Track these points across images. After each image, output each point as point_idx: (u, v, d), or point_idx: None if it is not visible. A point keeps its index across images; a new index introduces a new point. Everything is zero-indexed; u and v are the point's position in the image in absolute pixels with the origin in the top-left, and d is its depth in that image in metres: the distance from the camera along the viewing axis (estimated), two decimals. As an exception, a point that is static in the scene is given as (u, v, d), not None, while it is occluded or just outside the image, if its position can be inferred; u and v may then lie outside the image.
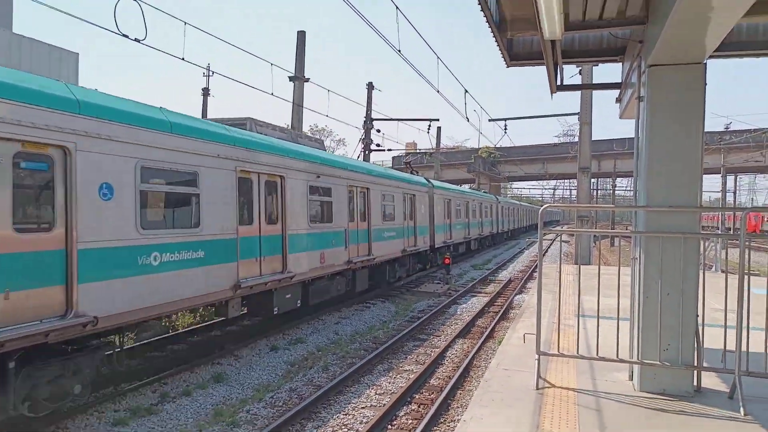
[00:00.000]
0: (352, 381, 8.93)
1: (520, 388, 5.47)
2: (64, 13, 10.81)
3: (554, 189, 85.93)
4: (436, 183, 22.84)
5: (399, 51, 14.50)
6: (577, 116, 22.15)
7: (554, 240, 42.94)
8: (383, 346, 10.87)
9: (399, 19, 13.58)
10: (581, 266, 7.17)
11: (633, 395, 5.22)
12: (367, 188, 14.72)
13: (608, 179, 64.79)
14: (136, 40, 10.49)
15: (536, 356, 5.57)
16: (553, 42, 7.04)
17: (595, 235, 29.37)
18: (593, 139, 21.51)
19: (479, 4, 6.28)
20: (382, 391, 8.49)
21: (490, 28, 7.18)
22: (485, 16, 6.65)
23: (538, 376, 5.50)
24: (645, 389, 5.27)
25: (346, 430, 6.99)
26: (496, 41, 7.75)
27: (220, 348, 10.34)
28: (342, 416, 7.44)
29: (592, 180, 66.19)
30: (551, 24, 5.21)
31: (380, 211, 15.59)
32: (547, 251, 36.80)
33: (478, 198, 33.82)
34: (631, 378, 5.57)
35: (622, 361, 5.33)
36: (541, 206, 6.39)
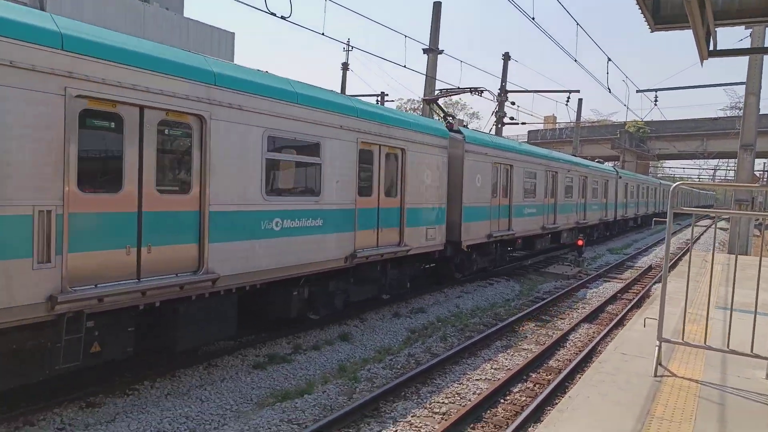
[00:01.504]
0: (469, 353, 9.13)
1: (635, 374, 5.24)
2: None
3: (715, 169, 76.50)
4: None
5: (533, 19, 13.95)
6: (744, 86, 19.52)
7: (708, 227, 38.58)
8: (503, 322, 10.89)
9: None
10: (737, 256, 6.50)
11: (767, 394, 4.76)
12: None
13: (785, 159, 56.18)
14: (282, 17, 11.38)
15: (657, 342, 5.28)
16: (703, 1, 6.37)
17: (759, 222, 25.89)
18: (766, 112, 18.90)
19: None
20: (498, 366, 8.58)
21: (631, -11, 6.70)
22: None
23: (658, 363, 5.22)
24: (784, 389, 4.77)
25: (458, 398, 7.24)
26: (638, 3, 7.19)
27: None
28: (456, 385, 7.69)
29: (765, 160, 57.80)
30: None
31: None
32: (699, 238, 33.27)
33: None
34: (768, 377, 5.06)
35: (756, 356, 4.85)
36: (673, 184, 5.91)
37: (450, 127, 13.55)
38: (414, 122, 11.50)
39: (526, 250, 19.55)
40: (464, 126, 15.20)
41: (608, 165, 40.58)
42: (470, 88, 16.06)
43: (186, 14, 25.27)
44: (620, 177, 29.64)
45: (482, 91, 15.71)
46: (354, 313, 10.92)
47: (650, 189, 40.72)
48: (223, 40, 24.33)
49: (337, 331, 9.94)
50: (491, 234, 14.65)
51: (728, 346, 5.07)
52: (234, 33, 24.67)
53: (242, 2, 11.47)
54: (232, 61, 24.34)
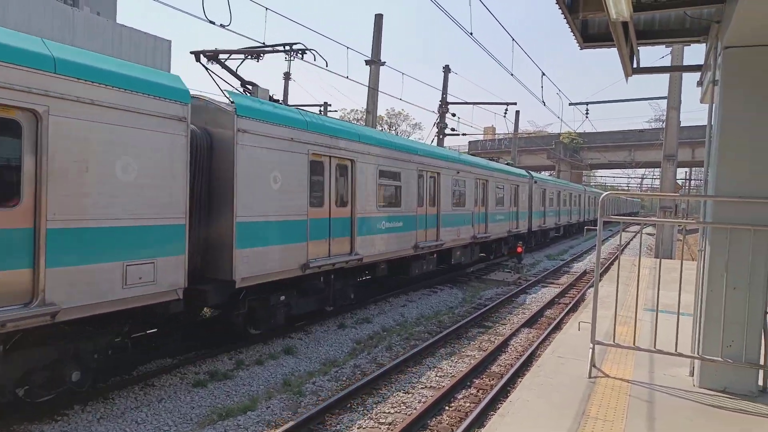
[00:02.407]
0: (414, 362, 9.20)
1: (572, 376, 5.47)
2: (159, 1, 11.65)
3: (642, 178, 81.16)
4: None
5: (471, 34, 14.39)
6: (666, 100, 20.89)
7: (637, 233, 40.78)
8: (447, 330, 11.05)
9: (472, 2, 13.45)
10: (662, 260, 6.92)
11: (691, 391, 5.08)
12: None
13: (702, 168, 60.25)
14: (221, 26, 11.18)
15: (590, 345, 5.53)
16: (626, 22, 6.79)
17: (682, 228, 27.65)
18: (689, 125, 20.32)
19: (547, -15, 6.17)
20: (443, 374, 8.69)
21: (560, 10, 7.04)
22: (554, -3, 6.53)
23: (592, 365, 5.47)
24: (705, 386, 5.11)
25: (404, 407, 7.27)
26: (568, 23, 7.56)
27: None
28: (402, 394, 7.73)
29: (686, 170, 61.92)
30: (618, 4, 5.07)
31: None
32: (628, 244, 35.09)
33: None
34: (691, 374, 5.40)
35: (680, 355, 5.19)
36: (603, 193, 6.26)
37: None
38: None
39: (393, 276, 13.93)
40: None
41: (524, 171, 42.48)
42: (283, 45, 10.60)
43: (119, 21, 24.31)
44: (536, 182, 26.33)
45: (303, 51, 10.29)
46: (299, 325, 10.78)
47: (574, 196, 38.10)
48: (159, 48, 23.59)
49: (281, 344, 9.78)
50: (308, 264, 9.68)
51: (655, 346, 5.38)
52: (170, 41, 23.97)
53: (180, 10, 11.18)
54: (169, 70, 23.66)
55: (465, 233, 17.01)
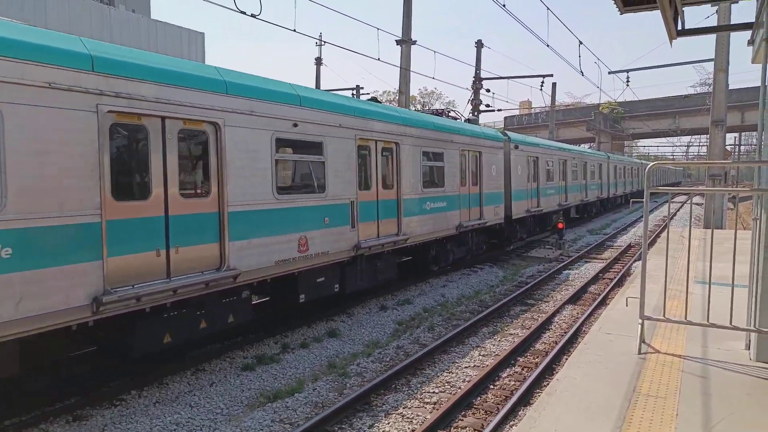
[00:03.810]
0: (457, 342, 9.19)
1: (620, 352, 5.34)
2: None
3: (688, 146, 77.93)
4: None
5: (504, 6, 13.98)
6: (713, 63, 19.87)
7: (684, 203, 39.38)
8: (489, 309, 10.98)
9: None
10: (713, 230, 6.62)
11: (747, 365, 4.88)
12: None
13: (755, 133, 57.40)
14: (252, 15, 11.22)
15: (639, 320, 5.38)
16: (669, -19, 6.43)
17: (733, 196, 26.47)
18: (737, 87, 19.27)
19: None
20: (486, 353, 8.66)
21: (598, -25, 6.74)
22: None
23: (641, 341, 5.32)
24: (762, 359, 4.90)
25: (448, 386, 7.29)
26: (606, -12, 7.22)
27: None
28: (446, 374, 7.74)
29: (735, 135, 59.09)
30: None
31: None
32: (675, 214, 33.92)
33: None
34: (747, 347, 5.19)
35: (735, 328, 4.97)
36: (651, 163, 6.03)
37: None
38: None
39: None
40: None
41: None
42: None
43: (153, 16, 24.81)
44: (516, 147, 18.53)
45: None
46: (341, 308, 10.91)
47: (591, 166, 30.57)
48: (193, 41, 23.95)
49: (325, 327, 9.93)
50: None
51: (708, 320, 5.18)
52: (204, 33, 24.30)
53: (211, 2, 11.28)
54: (203, 61, 24.01)
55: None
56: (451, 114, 15.83)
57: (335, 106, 9.65)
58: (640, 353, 5.25)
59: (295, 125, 8.59)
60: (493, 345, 9.03)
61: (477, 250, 16.20)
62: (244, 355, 8.42)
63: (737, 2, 11.37)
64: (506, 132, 19.18)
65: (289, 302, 9.15)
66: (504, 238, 18.20)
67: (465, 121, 17.01)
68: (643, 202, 5.57)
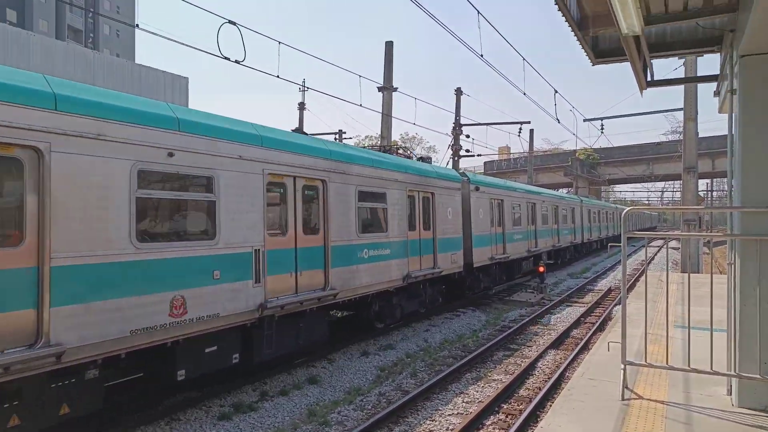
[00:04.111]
0: (440, 388, 9.04)
1: (604, 398, 5.30)
2: (176, 41, 12.01)
3: (662, 191, 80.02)
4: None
5: (482, 56, 14.50)
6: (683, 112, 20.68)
7: (661, 247, 40.06)
8: (472, 354, 10.87)
9: (481, 23, 13.58)
10: (690, 274, 6.73)
11: (730, 411, 4.87)
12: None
13: (725, 179, 59.18)
14: (236, 61, 11.43)
15: (622, 366, 5.37)
16: (637, 36, 6.77)
17: (708, 241, 27.03)
18: (707, 135, 20.03)
19: (556, 3, 6.19)
20: (470, 400, 8.52)
21: (570, 28, 7.06)
22: (564, 15, 6.55)
23: (624, 386, 5.30)
24: (744, 405, 4.90)
25: (431, 435, 7.12)
26: (578, 40, 7.58)
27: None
28: (428, 422, 7.58)
29: (707, 180, 61.04)
30: (628, 18, 5.06)
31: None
32: (653, 258, 34.44)
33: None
34: (729, 393, 5.20)
35: (716, 373, 4.99)
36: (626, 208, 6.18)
37: None
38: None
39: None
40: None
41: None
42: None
43: (138, 61, 25.15)
44: (477, 188, 17.06)
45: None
46: (321, 354, 10.70)
47: (563, 210, 29.20)
48: (177, 85, 24.21)
49: (305, 374, 9.70)
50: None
51: (689, 365, 5.20)
52: (188, 78, 24.61)
53: (197, 48, 11.50)
54: (187, 105, 24.25)
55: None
56: (400, 151, 14.49)
57: (233, 133, 7.85)
58: (623, 399, 5.22)
59: (171, 155, 6.83)
60: (477, 391, 8.89)
61: (432, 303, 14.44)
62: (221, 404, 8.15)
63: (702, 56, 11.97)
64: (466, 173, 17.64)
65: (165, 380, 7.24)
66: (465, 287, 16.50)
67: (418, 159, 15.11)
68: (620, 246, 5.66)
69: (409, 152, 15.33)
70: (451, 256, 14.79)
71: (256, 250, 8.06)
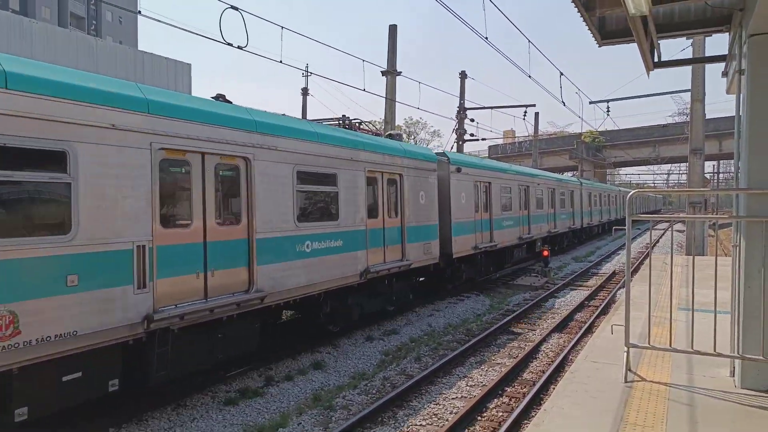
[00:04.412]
0: (444, 372, 9.09)
1: (607, 381, 5.31)
2: (178, 27, 11.93)
3: (668, 174, 79.51)
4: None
5: (486, 38, 14.33)
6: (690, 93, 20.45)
7: (665, 230, 39.90)
8: (476, 338, 10.91)
9: (486, 5, 13.41)
10: (695, 257, 6.69)
11: (732, 392, 4.88)
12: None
13: (732, 161, 58.60)
14: (239, 47, 11.35)
15: (625, 348, 5.37)
16: (645, 16, 6.66)
17: (714, 223, 26.89)
18: (714, 116, 19.76)
19: (561, -16, 6.07)
20: (474, 383, 8.56)
21: (576, 9, 6.96)
22: (569, -4, 6.46)
23: (627, 369, 5.31)
24: (747, 386, 4.90)
25: (435, 419, 7.18)
26: (585, 21, 7.47)
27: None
28: (432, 406, 7.63)
29: (713, 162, 60.54)
30: (636, -2, 4.98)
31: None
32: (658, 241, 34.32)
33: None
34: (732, 374, 5.20)
35: (719, 355, 4.99)
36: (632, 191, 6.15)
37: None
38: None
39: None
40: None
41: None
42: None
43: (141, 48, 25.05)
44: (459, 170, 15.24)
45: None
46: (326, 339, 10.76)
47: (561, 193, 27.13)
48: (180, 72, 24.11)
49: (310, 359, 9.77)
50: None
51: (692, 347, 5.19)
52: (190, 64, 24.49)
53: (198, 34, 11.41)
54: (190, 92, 24.17)
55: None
56: (363, 127, 12.35)
57: (96, 94, 5.97)
58: (626, 382, 5.23)
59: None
60: (481, 375, 8.93)
61: (401, 300, 12.88)
62: (227, 389, 8.23)
63: (711, 36, 11.78)
64: (446, 152, 15.72)
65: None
66: (445, 280, 15.11)
67: (386, 136, 13.28)
68: (625, 229, 5.63)
69: (371, 127, 13.14)
70: (424, 246, 13.03)
71: (139, 246, 6.28)
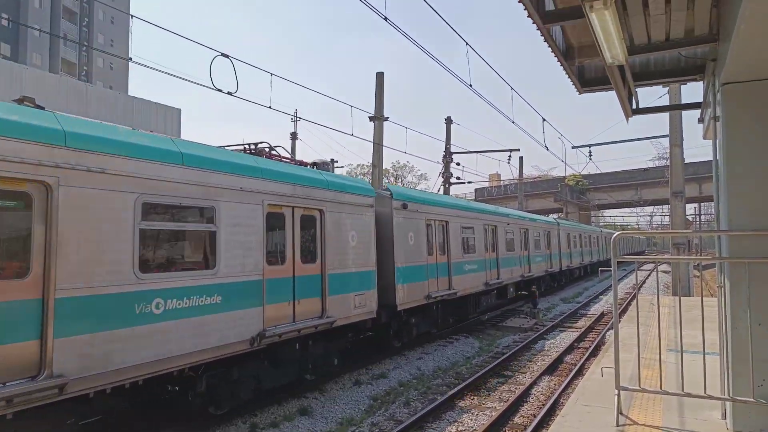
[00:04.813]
0: (434, 417, 8.91)
1: (599, 425, 5.25)
2: (169, 74, 12.13)
3: (651, 215, 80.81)
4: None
5: (470, 86, 14.75)
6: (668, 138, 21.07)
7: (652, 270, 40.20)
8: (465, 382, 10.75)
9: (470, 54, 13.87)
10: (681, 298, 6.75)
11: (725, 435, 4.85)
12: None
13: (712, 203, 59.85)
14: (228, 93, 11.54)
15: (616, 391, 5.34)
16: (622, 65, 6.95)
17: (698, 264, 27.20)
18: (694, 161, 20.28)
19: (542, 35, 6.35)
20: (464, 428, 8.40)
21: (556, 58, 7.24)
22: (550, 46, 6.72)
23: (618, 412, 5.26)
24: (739, 429, 4.86)
25: (426, 466, 6.99)
26: (565, 70, 7.76)
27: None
28: (422, 452, 7.44)
29: (695, 205, 61.76)
30: (612, 49, 5.22)
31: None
32: (644, 282, 34.52)
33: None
34: (724, 417, 5.17)
35: (710, 397, 4.98)
36: (615, 233, 6.24)
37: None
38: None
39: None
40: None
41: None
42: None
43: (131, 93, 25.44)
44: (407, 208, 13.15)
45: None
46: (313, 384, 10.53)
47: (527, 233, 24.05)
48: (170, 117, 24.38)
49: (296, 405, 9.52)
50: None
51: (683, 389, 5.18)
52: (180, 109, 24.80)
53: (189, 80, 11.62)
54: (179, 136, 24.40)
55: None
56: (274, 152, 10.04)
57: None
58: (618, 426, 5.17)
59: None
60: (471, 419, 8.77)
61: (323, 366, 10.27)
62: (209, 438, 7.96)
63: (686, 84, 12.26)
64: (389, 186, 13.76)
65: None
66: (391, 337, 12.83)
67: (311, 166, 10.77)
68: (611, 270, 5.69)
69: (301, 160, 11.28)
70: (356, 297, 10.62)
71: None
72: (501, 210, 22.16)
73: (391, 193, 12.65)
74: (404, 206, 12.80)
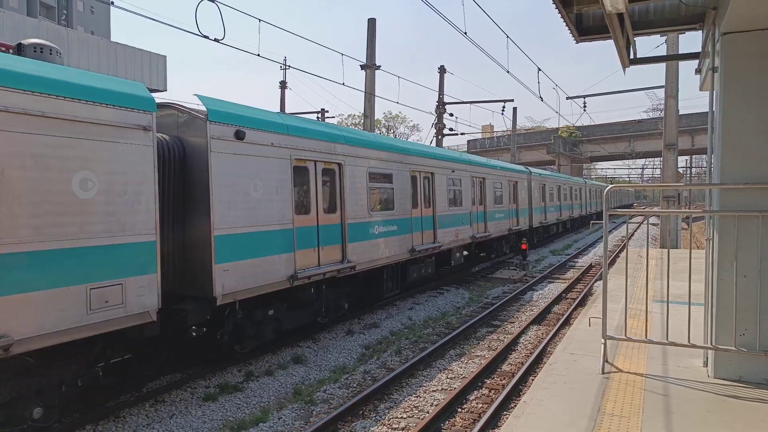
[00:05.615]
0: (424, 365, 9.14)
1: (584, 372, 5.41)
2: (152, 19, 11.69)
3: (642, 168, 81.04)
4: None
5: (465, 33, 14.38)
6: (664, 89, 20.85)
7: (641, 223, 40.72)
8: (455, 331, 10.99)
9: (465, 2, 13.45)
10: (669, 250, 6.87)
11: (706, 382, 5.02)
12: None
13: (704, 156, 60.05)
14: (215, 40, 11.17)
15: (602, 340, 5.48)
16: (621, 13, 6.76)
17: (687, 217, 27.51)
18: (687, 113, 20.14)
19: (540, -19, 6.13)
20: (454, 376, 8.63)
21: (554, 5, 7.03)
22: (547, -7, 6.51)
23: (604, 360, 5.42)
24: (720, 376, 5.05)
25: (416, 411, 7.22)
26: (562, 17, 7.55)
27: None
28: (413, 398, 7.67)
29: (687, 157, 61.91)
30: (612, -5, 5.05)
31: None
32: (633, 234, 34.98)
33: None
34: (705, 364, 5.34)
35: (693, 346, 5.13)
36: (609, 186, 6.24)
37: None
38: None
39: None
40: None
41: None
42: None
43: (114, 40, 24.52)
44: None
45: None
46: (307, 333, 10.73)
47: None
48: (155, 64, 23.62)
49: (290, 353, 9.73)
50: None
51: (667, 338, 5.32)
52: (165, 56, 24.00)
53: (175, 27, 11.20)
54: (165, 85, 23.72)
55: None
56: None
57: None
58: (603, 373, 5.34)
59: None
60: (461, 367, 9.01)
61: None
62: (206, 385, 8.15)
63: (684, 33, 12.03)
64: (201, 99, 7.89)
65: None
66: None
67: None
68: (602, 223, 5.73)
69: None
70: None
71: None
72: (438, 151, 16.46)
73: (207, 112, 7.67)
74: (237, 135, 8.05)
